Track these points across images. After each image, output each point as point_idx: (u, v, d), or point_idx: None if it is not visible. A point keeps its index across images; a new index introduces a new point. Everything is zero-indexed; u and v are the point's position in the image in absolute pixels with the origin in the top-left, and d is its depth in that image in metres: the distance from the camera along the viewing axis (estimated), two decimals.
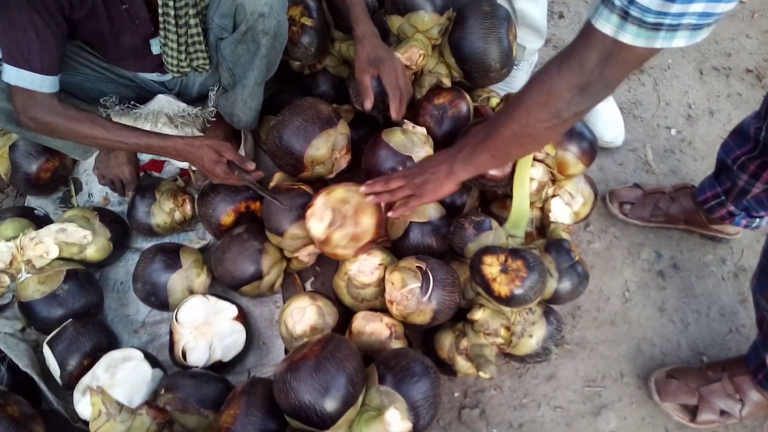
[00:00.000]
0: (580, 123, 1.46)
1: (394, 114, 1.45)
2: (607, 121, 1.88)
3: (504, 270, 1.24)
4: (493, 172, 1.40)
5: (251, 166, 1.46)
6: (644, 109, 2.03)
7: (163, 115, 1.67)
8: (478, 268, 1.26)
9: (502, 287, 1.23)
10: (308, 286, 1.64)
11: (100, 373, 1.31)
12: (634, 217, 1.73)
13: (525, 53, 1.88)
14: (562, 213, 1.45)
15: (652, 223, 1.73)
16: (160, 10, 1.36)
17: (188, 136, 1.46)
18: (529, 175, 1.41)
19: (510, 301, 1.24)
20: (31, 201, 1.79)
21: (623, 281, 1.67)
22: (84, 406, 1.28)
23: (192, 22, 1.42)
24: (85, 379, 1.31)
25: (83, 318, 1.43)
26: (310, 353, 1.12)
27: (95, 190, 1.82)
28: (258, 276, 1.48)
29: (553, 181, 1.47)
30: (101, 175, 1.78)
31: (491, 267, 1.25)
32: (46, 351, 1.35)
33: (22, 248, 1.45)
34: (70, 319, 1.40)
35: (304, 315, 1.35)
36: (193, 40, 1.46)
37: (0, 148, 1.69)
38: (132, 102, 1.63)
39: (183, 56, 1.48)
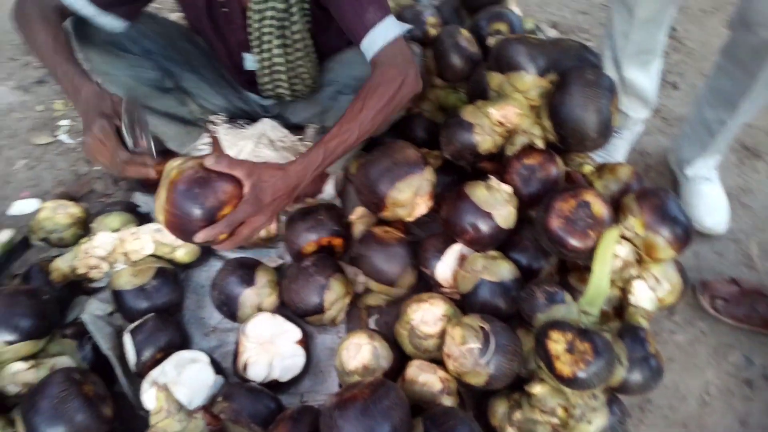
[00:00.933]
0: (676, 205, 1.39)
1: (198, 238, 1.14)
2: (710, 205, 1.77)
3: (570, 349, 1.20)
4: (575, 242, 1.36)
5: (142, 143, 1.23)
6: (754, 198, 1.89)
7: (266, 137, 1.79)
8: (543, 342, 1.23)
9: (564, 367, 1.19)
10: (372, 322, 1.66)
11: (168, 369, 1.39)
12: (726, 314, 1.61)
13: (629, 122, 1.83)
14: (644, 298, 1.38)
15: (746, 325, 1.60)
16: (248, 28, 1.44)
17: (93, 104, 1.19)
18: (613, 252, 1.36)
19: (571, 383, 1.19)
20: (138, 197, 1.96)
21: (704, 382, 1.55)
22: (149, 397, 1.36)
23: (276, 51, 1.47)
24: (154, 373, 1.40)
25: (164, 314, 1.53)
26: (359, 395, 1.13)
27: None
28: (319, 310, 1.53)
29: (639, 262, 1.41)
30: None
31: (557, 344, 1.21)
32: (127, 338, 1.45)
33: (122, 241, 1.59)
34: (152, 314, 1.51)
35: (359, 352, 1.37)
36: (278, 69, 1.52)
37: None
38: (240, 121, 1.76)
39: (266, 78, 1.56)
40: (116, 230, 1.62)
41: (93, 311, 1.53)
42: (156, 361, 1.44)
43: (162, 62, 1.50)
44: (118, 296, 1.55)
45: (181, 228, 1.14)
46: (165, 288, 1.56)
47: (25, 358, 1.37)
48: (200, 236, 1.12)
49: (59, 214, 1.66)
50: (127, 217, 1.69)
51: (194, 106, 1.65)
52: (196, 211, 1.10)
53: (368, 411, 1.10)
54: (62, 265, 1.52)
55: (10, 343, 1.34)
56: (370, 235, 1.53)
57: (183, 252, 1.65)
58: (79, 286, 1.65)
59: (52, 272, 1.54)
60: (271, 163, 1.20)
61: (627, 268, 1.39)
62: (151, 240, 1.60)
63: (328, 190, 1.89)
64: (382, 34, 1.34)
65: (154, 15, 1.55)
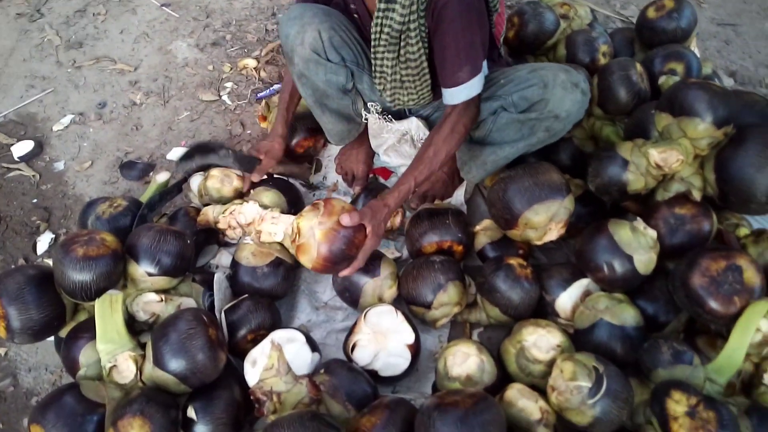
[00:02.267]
0: None
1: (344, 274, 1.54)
2: None
3: (691, 414, 1.12)
4: (716, 305, 1.28)
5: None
6: None
7: (409, 135, 1.83)
8: (662, 400, 1.16)
9: (681, 430, 1.12)
10: (475, 335, 1.66)
11: (267, 349, 1.40)
12: None
13: None
14: None
15: None
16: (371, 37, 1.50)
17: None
18: (756, 325, 1.26)
19: None
20: (279, 168, 2.09)
21: None
22: (252, 375, 1.39)
23: (388, 63, 1.53)
24: (254, 352, 1.42)
25: (257, 297, 1.57)
26: (462, 402, 1.14)
27: (330, 176, 2.05)
28: (427, 306, 1.55)
29: None
30: (339, 165, 2.00)
31: (677, 404, 1.14)
32: (221, 317, 1.52)
33: (262, 219, 1.65)
34: (247, 296, 1.56)
35: (465, 361, 1.37)
36: (391, 79, 1.57)
37: (275, 117, 2.00)
38: (389, 115, 1.81)
39: (380, 87, 1.62)
40: (265, 207, 1.69)
41: (224, 263, 1.66)
42: (247, 341, 1.49)
43: (351, 68, 1.62)
44: (234, 265, 1.64)
45: (328, 270, 1.52)
46: (273, 278, 1.61)
47: (158, 291, 1.51)
48: (343, 273, 1.53)
49: (226, 187, 1.78)
50: (279, 199, 1.76)
51: (360, 104, 1.75)
52: (343, 259, 1.47)
53: (467, 420, 1.10)
54: (211, 213, 1.66)
55: (150, 274, 1.48)
56: (508, 267, 1.50)
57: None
58: (214, 235, 1.79)
59: (200, 215, 1.68)
60: (377, 201, 1.52)
61: (767, 345, 1.28)
62: (285, 231, 1.62)
63: (458, 196, 1.90)
64: (466, 91, 1.47)
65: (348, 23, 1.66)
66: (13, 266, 1.87)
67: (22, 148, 2.22)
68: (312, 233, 1.44)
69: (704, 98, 1.39)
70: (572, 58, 1.92)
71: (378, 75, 1.61)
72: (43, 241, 1.93)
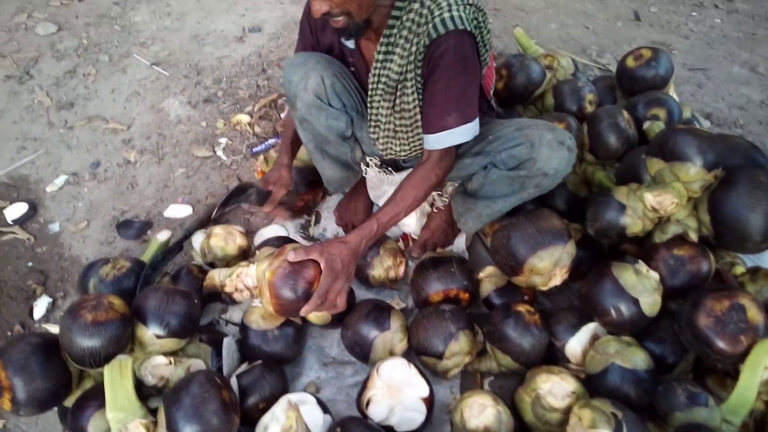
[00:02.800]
0: None
1: (303, 313, 1.41)
2: None
3: None
4: (724, 345, 1.31)
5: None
6: None
7: None
8: None
9: None
10: (486, 385, 1.66)
11: (278, 412, 1.40)
12: None
13: None
14: None
15: None
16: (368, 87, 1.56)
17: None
18: (764, 363, 1.29)
19: None
20: (278, 219, 2.10)
21: None
22: None
23: (383, 113, 1.58)
24: (266, 418, 1.41)
25: (271, 364, 1.55)
26: None
27: (330, 227, 2.07)
28: (439, 356, 1.55)
29: None
30: (339, 217, 2.03)
31: None
32: (234, 382, 1.49)
33: None
34: (260, 362, 1.54)
35: (482, 412, 1.37)
36: (385, 128, 1.61)
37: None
38: (389, 167, 1.86)
39: (374, 135, 1.66)
40: None
41: (236, 319, 1.64)
42: (258, 410, 1.46)
43: (352, 114, 1.65)
44: (244, 328, 1.62)
45: (288, 310, 1.44)
46: (284, 341, 1.60)
47: (166, 354, 1.48)
48: (303, 311, 1.40)
49: (230, 245, 1.79)
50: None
51: (358, 152, 1.78)
52: (295, 296, 1.40)
53: None
54: (217, 277, 1.65)
55: (159, 337, 1.46)
56: (518, 314, 1.52)
57: (315, 315, 1.67)
58: (217, 296, 1.77)
59: (206, 279, 1.68)
60: (334, 239, 1.48)
61: None
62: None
63: (459, 243, 1.93)
64: (451, 138, 1.48)
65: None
66: (9, 333, 1.83)
67: (15, 210, 2.20)
68: (263, 275, 1.44)
69: (693, 143, 1.46)
70: (560, 107, 2.00)
71: (373, 124, 1.65)
72: (40, 306, 1.89)
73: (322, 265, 1.39)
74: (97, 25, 3.24)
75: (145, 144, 2.49)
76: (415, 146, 1.67)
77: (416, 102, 1.54)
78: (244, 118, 2.55)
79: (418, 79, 1.50)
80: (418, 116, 1.57)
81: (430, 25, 1.39)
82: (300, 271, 1.40)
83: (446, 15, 1.37)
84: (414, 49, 1.45)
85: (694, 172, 1.47)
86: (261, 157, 2.22)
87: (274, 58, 2.97)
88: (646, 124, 1.83)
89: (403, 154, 1.71)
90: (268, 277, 1.41)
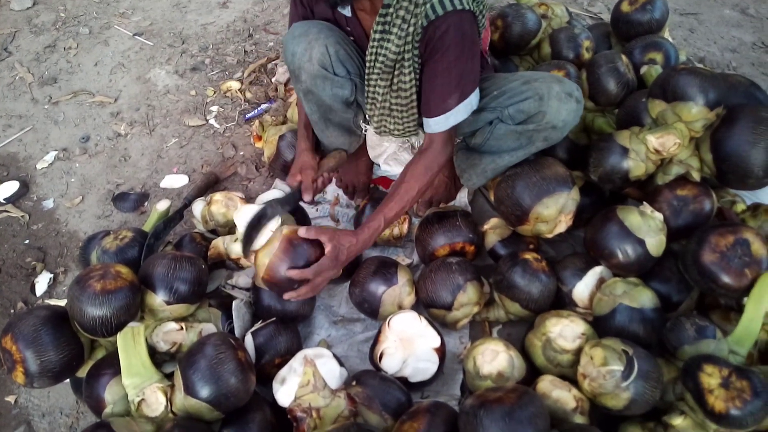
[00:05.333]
0: None
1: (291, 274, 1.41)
2: None
3: (725, 385, 1.16)
4: (729, 279, 1.33)
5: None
6: None
7: (409, 144, 1.86)
8: (695, 375, 1.20)
9: (718, 402, 1.15)
10: (495, 333, 1.68)
11: (296, 365, 1.42)
12: None
13: None
14: None
15: None
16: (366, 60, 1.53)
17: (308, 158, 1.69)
18: None
19: (723, 419, 1.15)
20: (278, 184, 2.08)
21: None
22: (283, 394, 1.38)
23: (379, 91, 1.55)
24: (283, 371, 1.42)
25: (285, 321, 1.56)
26: (505, 398, 1.15)
27: (329, 189, 2.06)
28: (447, 307, 1.57)
29: None
30: (339, 179, 2.01)
31: (711, 377, 1.18)
32: (249, 339, 1.50)
33: None
34: (274, 319, 1.54)
35: (495, 358, 1.39)
36: (381, 106, 1.59)
37: (272, 136, 2.00)
38: None
39: (369, 112, 1.65)
40: None
41: (242, 284, 1.64)
42: (274, 366, 1.48)
43: (356, 80, 1.63)
44: (256, 290, 1.62)
45: (275, 281, 1.44)
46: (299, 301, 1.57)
47: (177, 320, 1.48)
48: (287, 295, 1.43)
49: (231, 210, 1.76)
50: (288, 218, 1.73)
51: (361, 116, 1.75)
52: (287, 269, 1.40)
53: (514, 414, 1.12)
54: (222, 245, 1.64)
55: (168, 303, 1.45)
56: (525, 262, 1.53)
57: None
58: (222, 263, 1.77)
59: (210, 248, 1.67)
60: (346, 230, 1.49)
61: None
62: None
63: (461, 198, 1.93)
64: (453, 119, 1.48)
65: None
66: (12, 311, 1.82)
67: (6, 189, 2.16)
68: (272, 242, 1.44)
69: (695, 83, 1.45)
70: (557, 55, 1.98)
71: (369, 101, 1.62)
72: (42, 282, 1.88)
73: (327, 250, 1.41)
74: None
75: (135, 116, 2.45)
76: (408, 125, 1.65)
77: (413, 82, 1.51)
78: (235, 85, 2.50)
79: (416, 59, 1.47)
80: (414, 96, 1.55)
81: (428, 5, 1.35)
82: (302, 249, 1.41)
83: None
84: (411, 29, 1.41)
85: (696, 111, 1.46)
86: (256, 122, 2.19)
87: (260, 23, 2.90)
88: (644, 69, 1.82)
89: (396, 132, 1.69)
90: (265, 262, 1.41)
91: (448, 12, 1.34)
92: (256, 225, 1.47)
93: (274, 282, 1.44)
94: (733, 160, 1.44)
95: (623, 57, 1.78)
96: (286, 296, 1.45)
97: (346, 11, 1.49)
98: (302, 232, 1.42)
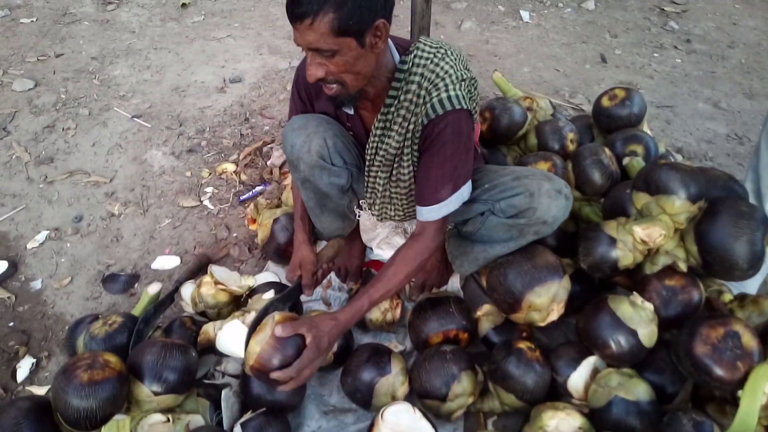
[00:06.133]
0: None
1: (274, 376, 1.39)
2: None
3: None
4: (722, 372, 1.33)
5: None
6: None
7: (402, 228, 1.89)
8: None
9: None
10: (490, 425, 1.64)
11: None
12: None
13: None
14: None
15: None
16: (365, 153, 1.59)
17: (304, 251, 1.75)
18: (762, 388, 1.31)
19: None
20: (270, 266, 2.09)
21: None
22: None
23: (380, 182, 1.61)
24: None
25: (275, 412, 1.52)
26: None
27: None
28: (442, 398, 1.54)
29: None
30: (332, 261, 2.02)
31: None
32: (237, 430, 1.45)
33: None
34: (264, 410, 1.50)
35: None
36: (381, 195, 1.65)
37: (266, 219, 2.03)
38: None
39: (370, 200, 1.71)
40: None
41: (231, 370, 1.61)
42: None
43: (352, 169, 1.69)
44: (245, 377, 1.57)
45: (263, 376, 1.41)
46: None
47: (163, 411, 1.44)
48: (276, 375, 1.38)
49: (220, 293, 1.75)
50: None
51: (355, 201, 1.80)
52: (277, 366, 1.38)
53: None
54: (212, 331, 1.62)
55: (156, 393, 1.42)
56: (519, 351, 1.53)
57: None
58: (212, 348, 1.73)
59: (200, 334, 1.64)
60: (323, 314, 1.49)
61: None
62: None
63: (453, 283, 1.95)
64: (445, 209, 1.51)
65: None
66: None
67: None
68: (252, 347, 1.41)
69: (677, 177, 1.53)
70: (543, 146, 2.07)
71: (370, 191, 1.68)
72: (24, 367, 1.82)
73: (308, 341, 1.39)
74: (75, 80, 3.24)
75: (129, 196, 2.47)
76: (408, 211, 1.71)
77: (411, 173, 1.58)
78: (230, 167, 2.55)
79: (415, 153, 1.53)
80: (413, 185, 1.61)
81: (428, 106, 1.42)
82: (284, 346, 1.39)
83: (443, 95, 1.40)
84: (411, 127, 1.48)
85: (679, 205, 1.52)
86: (251, 204, 2.22)
87: (256, 107, 3.00)
88: (626, 160, 1.90)
89: (397, 218, 1.74)
90: (256, 350, 1.39)
91: (447, 111, 1.41)
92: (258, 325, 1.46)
93: (263, 372, 1.41)
94: (718, 253, 1.49)
95: (606, 150, 1.87)
96: (278, 388, 1.41)
97: (349, 109, 1.57)
98: (278, 331, 1.38)
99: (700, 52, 3.55)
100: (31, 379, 1.80)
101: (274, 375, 1.36)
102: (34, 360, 1.84)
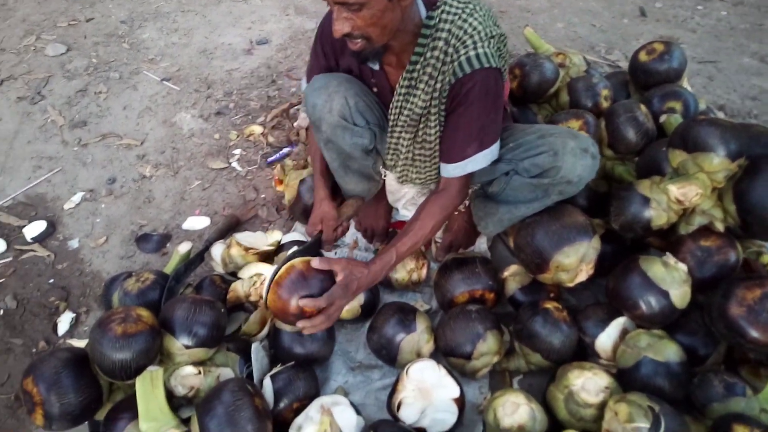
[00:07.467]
0: None
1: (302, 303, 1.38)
2: None
3: None
4: (757, 334, 1.29)
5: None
6: None
7: (427, 187, 1.87)
8: None
9: None
10: (515, 383, 1.64)
11: (312, 413, 1.41)
12: None
13: None
14: None
15: None
16: (389, 113, 1.56)
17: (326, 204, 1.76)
18: None
19: None
20: (298, 227, 2.11)
21: None
22: None
23: (403, 143, 1.58)
24: (299, 419, 1.41)
25: (304, 366, 1.55)
26: None
27: (348, 234, 2.07)
28: (467, 356, 1.55)
29: None
30: (358, 222, 2.03)
31: None
32: (267, 382, 1.49)
33: None
34: (293, 363, 1.53)
35: (516, 411, 1.36)
36: (404, 157, 1.62)
37: (293, 180, 2.03)
38: None
39: (391, 162, 1.68)
40: None
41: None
42: (291, 411, 1.46)
43: (375, 129, 1.66)
44: (275, 331, 1.62)
45: (283, 311, 1.41)
46: (319, 341, 1.60)
47: (194, 364, 1.48)
48: (304, 303, 1.38)
49: (251, 254, 1.78)
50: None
51: (380, 163, 1.78)
52: (294, 301, 1.39)
53: None
54: (240, 289, 1.65)
55: (187, 347, 1.46)
56: (546, 311, 1.52)
57: (345, 310, 1.65)
58: (241, 305, 1.77)
59: (229, 292, 1.68)
60: (359, 261, 1.49)
61: None
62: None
63: (480, 244, 1.93)
64: (471, 166, 1.49)
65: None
66: (34, 350, 1.83)
67: (34, 229, 2.21)
68: (280, 269, 1.43)
69: (716, 133, 1.45)
70: (576, 104, 2.00)
71: (392, 152, 1.66)
72: (64, 322, 1.90)
73: (338, 279, 1.40)
74: (106, 44, 3.27)
75: (160, 158, 2.51)
76: (430, 174, 1.69)
77: (438, 134, 1.55)
78: (257, 129, 2.56)
79: (442, 113, 1.50)
80: (438, 147, 1.58)
81: (456, 64, 1.39)
82: (311, 280, 1.40)
83: (471, 53, 1.37)
84: (438, 86, 1.45)
85: (717, 162, 1.46)
86: (278, 166, 2.23)
87: (283, 69, 2.99)
88: (663, 117, 1.83)
89: (418, 181, 1.72)
90: (280, 273, 1.40)
91: (475, 70, 1.37)
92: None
93: (287, 313, 1.42)
94: (758, 212, 1.43)
95: (642, 106, 1.80)
96: (300, 324, 1.40)
97: (374, 65, 1.54)
98: (315, 263, 1.40)
99: (748, 3, 3.35)
100: (71, 332, 1.87)
101: (303, 302, 1.37)
102: (74, 315, 1.92)
